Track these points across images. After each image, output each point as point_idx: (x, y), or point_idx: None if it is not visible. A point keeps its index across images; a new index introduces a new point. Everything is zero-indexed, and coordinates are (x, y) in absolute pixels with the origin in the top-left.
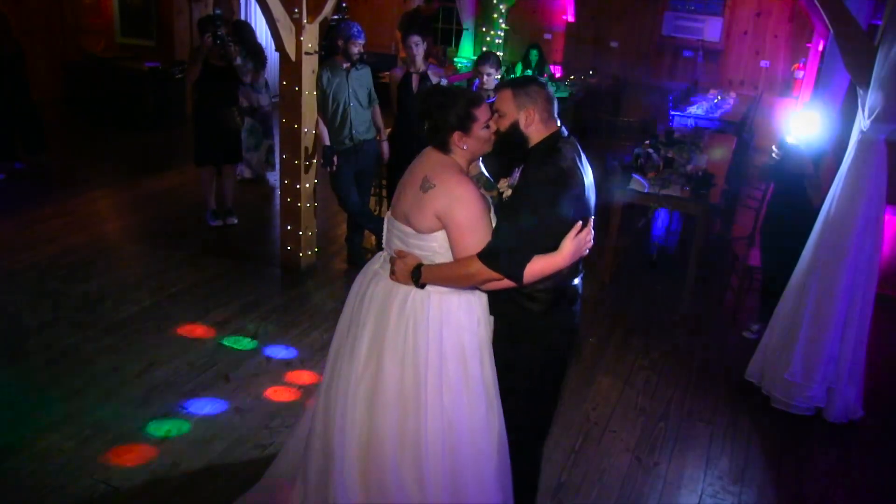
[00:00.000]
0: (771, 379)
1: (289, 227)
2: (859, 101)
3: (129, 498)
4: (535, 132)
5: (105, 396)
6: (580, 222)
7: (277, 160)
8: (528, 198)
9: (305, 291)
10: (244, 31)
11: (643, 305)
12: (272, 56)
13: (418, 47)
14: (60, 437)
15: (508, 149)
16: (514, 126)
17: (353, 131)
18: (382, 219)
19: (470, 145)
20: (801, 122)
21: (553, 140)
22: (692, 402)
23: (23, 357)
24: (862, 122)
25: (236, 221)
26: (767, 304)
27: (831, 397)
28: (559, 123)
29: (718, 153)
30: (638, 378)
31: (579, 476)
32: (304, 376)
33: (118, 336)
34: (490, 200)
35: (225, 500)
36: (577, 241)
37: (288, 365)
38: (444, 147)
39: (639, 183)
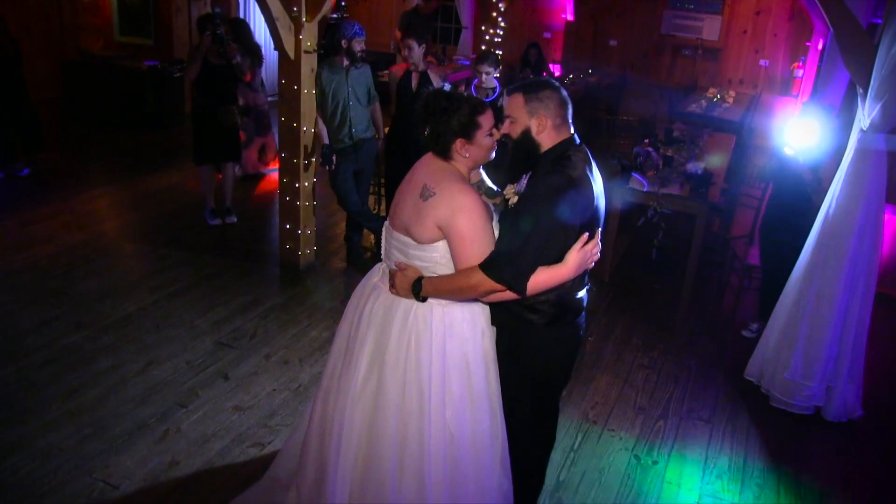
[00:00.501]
0: (770, 378)
1: (288, 226)
2: (859, 100)
3: (128, 496)
4: (547, 139)
5: (104, 395)
6: (586, 234)
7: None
8: (534, 207)
9: (304, 290)
10: (241, 30)
11: (642, 304)
12: (271, 55)
13: (413, 51)
14: (60, 436)
15: (519, 155)
16: (526, 133)
17: (353, 130)
18: (382, 217)
19: (472, 153)
20: (797, 132)
21: (564, 148)
22: (691, 400)
23: (22, 355)
24: (862, 121)
25: (235, 220)
26: (767, 303)
27: (831, 396)
28: (572, 130)
29: (716, 160)
30: (637, 377)
31: (578, 475)
32: (304, 375)
33: (117, 335)
34: (493, 208)
35: (224, 498)
36: (583, 254)
37: (287, 363)
38: (445, 154)
39: (638, 182)
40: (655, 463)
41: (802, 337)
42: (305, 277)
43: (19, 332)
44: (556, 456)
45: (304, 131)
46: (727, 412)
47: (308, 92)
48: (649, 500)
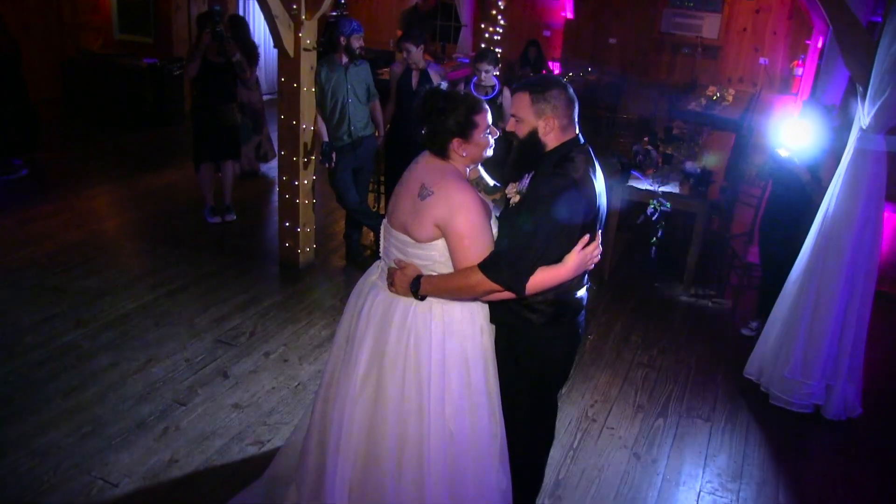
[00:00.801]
0: (770, 376)
1: (287, 224)
2: (859, 98)
3: (127, 494)
4: (553, 139)
5: (104, 393)
6: (587, 236)
7: (276, 156)
8: (535, 209)
9: (304, 288)
10: (239, 27)
11: (642, 302)
12: (270, 52)
13: (411, 53)
14: (59, 434)
15: (523, 154)
16: (533, 134)
17: (352, 127)
18: (381, 215)
19: (469, 152)
20: (791, 133)
21: (568, 148)
22: (691, 398)
23: (21, 353)
24: (862, 119)
25: (234, 218)
26: (766, 301)
27: (830, 395)
28: (577, 129)
29: (712, 159)
30: (636, 375)
31: (577, 473)
32: (303, 373)
33: (117, 332)
34: (491, 206)
35: (223, 496)
36: (582, 255)
37: (286, 361)
38: (442, 153)
39: (638, 180)
40: (655, 461)
41: (802, 335)
42: (305, 275)
43: (18, 330)
44: (555, 454)
45: (304, 129)
46: (726, 410)
47: (308, 90)
48: (648, 499)
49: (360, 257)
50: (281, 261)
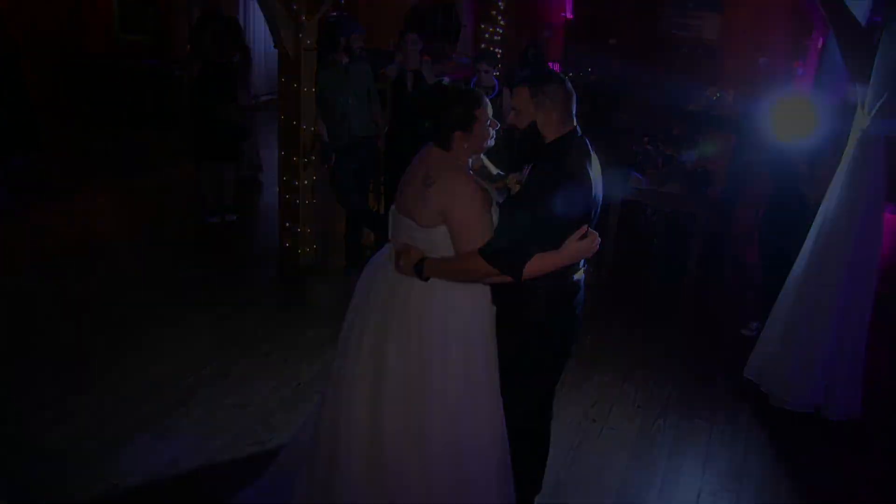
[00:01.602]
0: (770, 377)
1: (287, 224)
2: (858, 98)
3: (128, 494)
4: (551, 132)
5: (104, 393)
6: (586, 226)
7: (275, 157)
8: (533, 199)
9: (304, 288)
10: (234, 29)
11: (642, 302)
12: (271, 52)
13: (415, 45)
14: (59, 434)
15: (523, 146)
16: (532, 126)
17: (352, 128)
18: (381, 216)
19: (471, 143)
20: (785, 119)
21: (566, 141)
22: (691, 399)
23: (22, 353)
24: (861, 119)
25: (235, 218)
26: (766, 301)
27: (830, 395)
28: (575, 122)
29: (710, 148)
30: (636, 375)
31: (577, 473)
32: (303, 373)
33: (116, 333)
34: (493, 194)
35: (224, 496)
36: (581, 245)
37: (286, 361)
38: (445, 145)
39: (638, 181)
40: (655, 461)
41: (802, 336)
42: (305, 276)
43: (18, 331)
44: (555, 454)
45: (304, 129)
46: (726, 411)
47: (308, 90)
48: (649, 499)
49: (361, 257)
50: (281, 261)
